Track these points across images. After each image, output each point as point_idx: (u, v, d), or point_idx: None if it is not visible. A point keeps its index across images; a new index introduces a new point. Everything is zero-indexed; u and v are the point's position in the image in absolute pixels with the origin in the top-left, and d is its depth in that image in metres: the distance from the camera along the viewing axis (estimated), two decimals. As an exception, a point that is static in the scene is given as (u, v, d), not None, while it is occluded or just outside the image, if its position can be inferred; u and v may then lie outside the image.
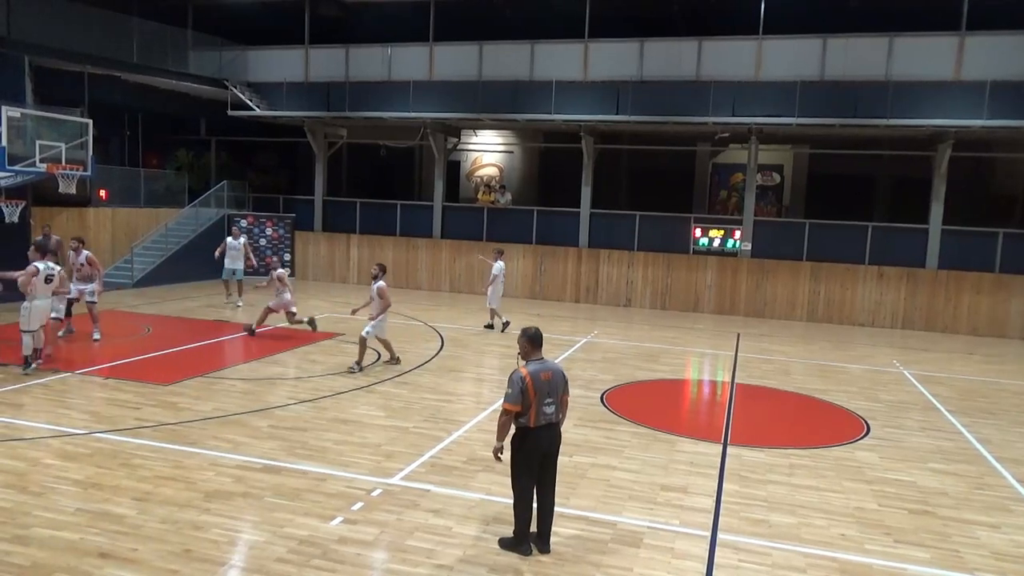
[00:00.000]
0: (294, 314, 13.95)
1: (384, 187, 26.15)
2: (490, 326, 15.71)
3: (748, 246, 19.76)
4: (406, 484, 7.04)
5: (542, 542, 5.81)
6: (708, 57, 19.02)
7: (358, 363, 11.47)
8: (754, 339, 16.27)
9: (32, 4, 17.94)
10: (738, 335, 16.63)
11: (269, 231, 23.14)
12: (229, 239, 17.68)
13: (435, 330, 15.40)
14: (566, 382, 5.90)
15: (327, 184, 23.81)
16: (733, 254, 19.91)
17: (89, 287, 13.00)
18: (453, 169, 25.42)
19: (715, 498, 7.07)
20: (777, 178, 23.67)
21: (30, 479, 6.77)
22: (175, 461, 7.39)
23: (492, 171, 26.18)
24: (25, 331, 10.28)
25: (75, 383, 10.18)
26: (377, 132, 23.82)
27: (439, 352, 13.28)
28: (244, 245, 17.50)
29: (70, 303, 13.13)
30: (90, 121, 15.67)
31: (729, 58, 18.92)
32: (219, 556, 5.54)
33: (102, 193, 20.18)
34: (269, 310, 13.84)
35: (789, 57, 18.55)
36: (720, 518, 6.63)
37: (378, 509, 6.44)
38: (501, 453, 5.78)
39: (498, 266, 15.59)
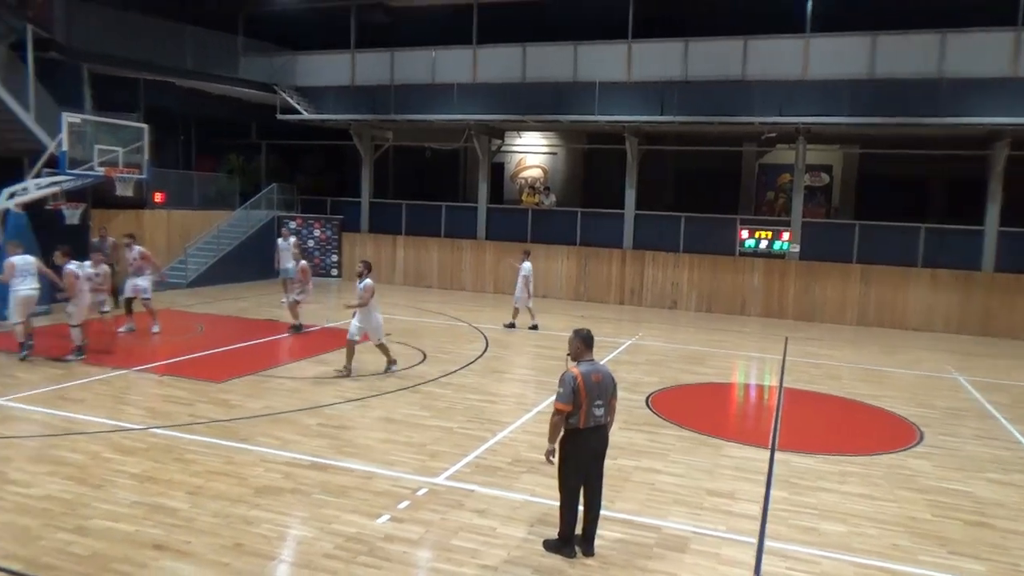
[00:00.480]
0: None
1: (429, 189, 26.37)
2: (535, 327, 15.77)
3: (796, 248, 19.42)
4: (451, 484, 7.10)
5: (587, 545, 5.80)
6: (754, 56, 18.75)
7: (391, 362, 11.49)
8: (802, 343, 15.98)
9: (90, 14, 18.57)
10: (786, 339, 16.35)
11: (317, 232, 23.53)
12: (279, 241, 18.16)
13: (479, 331, 15.48)
14: (615, 385, 5.88)
15: (373, 186, 24.12)
16: (781, 256, 19.58)
17: (142, 283, 13.53)
18: (497, 171, 25.55)
19: (763, 504, 6.98)
20: (826, 179, 23.23)
21: (90, 472, 7.02)
22: (227, 457, 7.57)
23: (536, 172, 26.22)
24: (74, 326, 11.37)
25: (133, 379, 10.51)
26: (422, 134, 24.03)
27: (483, 353, 13.35)
28: (292, 245, 17.90)
29: (129, 301, 13.67)
30: (146, 126, 16.13)
31: (775, 57, 18.62)
32: (269, 550, 5.66)
33: (157, 196, 20.78)
34: (297, 303, 14.28)
35: (837, 55, 18.18)
36: (768, 525, 6.53)
37: (423, 508, 6.51)
38: (553, 455, 5.79)
39: (526, 267, 15.70)
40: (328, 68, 22.88)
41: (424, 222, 23.22)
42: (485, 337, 14.84)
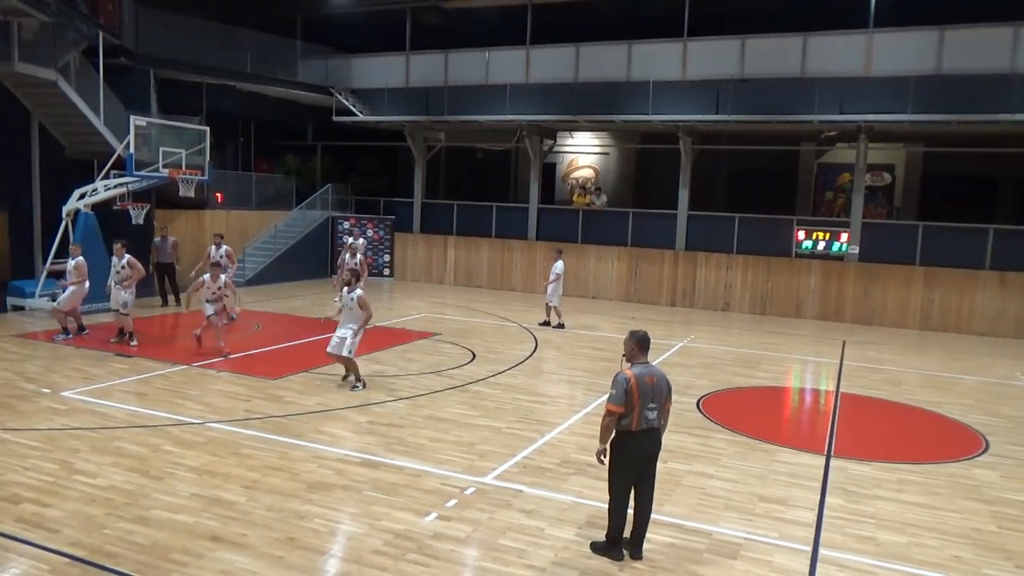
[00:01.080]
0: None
1: (480, 189, 26.51)
2: (547, 323, 16.06)
3: (856, 249, 18.89)
4: (499, 484, 7.12)
5: (635, 548, 5.75)
6: (814, 53, 18.33)
7: (359, 380, 10.44)
8: (861, 347, 15.54)
9: (157, 20, 19.24)
10: (843, 343, 15.92)
11: (370, 233, 23.88)
12: (350, 240, 19.00)
13: (529, 331, 15.49)
14: (670, 389, 5.81)
15: (425, 187, 24.36)
16: (839, 258, 19.07)
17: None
18: (549, 171, 25.51)
19: (817, 512, 6.81)
20: (888, 178, 22.53)
21: (151, 464, 7.26)
22: (281, 452, 7.74)
23: (588, 173, 26.10)
24: (125, 314, 12.50)
25: (192, 375, 10.83)
26: (474, 135, 24.17)
27: (532, 354, 13.35)
28: (361, 245, 18.82)
29: None
30: (207, 129, 16.62)
31: (837, 53, 18.17)
32: (320, 545, 5.77)
33: (218, 196, 21.38)
34: None
35: (902, 50, 17.65)
36: (822, 533, 6.37)
37: (471, 507, 6.54)
38: (605, 456, 5.75)
39: (558, 265, 15.74)
40: (382, 70, 23.20)
41: (475, 222, 23.34)
42: (535, 337, 14.84)
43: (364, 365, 11.77)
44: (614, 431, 5.66)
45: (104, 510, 6.18)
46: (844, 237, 19.05)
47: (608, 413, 5.62)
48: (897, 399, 11.31)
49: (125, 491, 6.59)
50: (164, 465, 7.24)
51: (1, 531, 5.72)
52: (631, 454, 5.65)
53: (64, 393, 9.54)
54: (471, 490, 6.93)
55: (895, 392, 11.72)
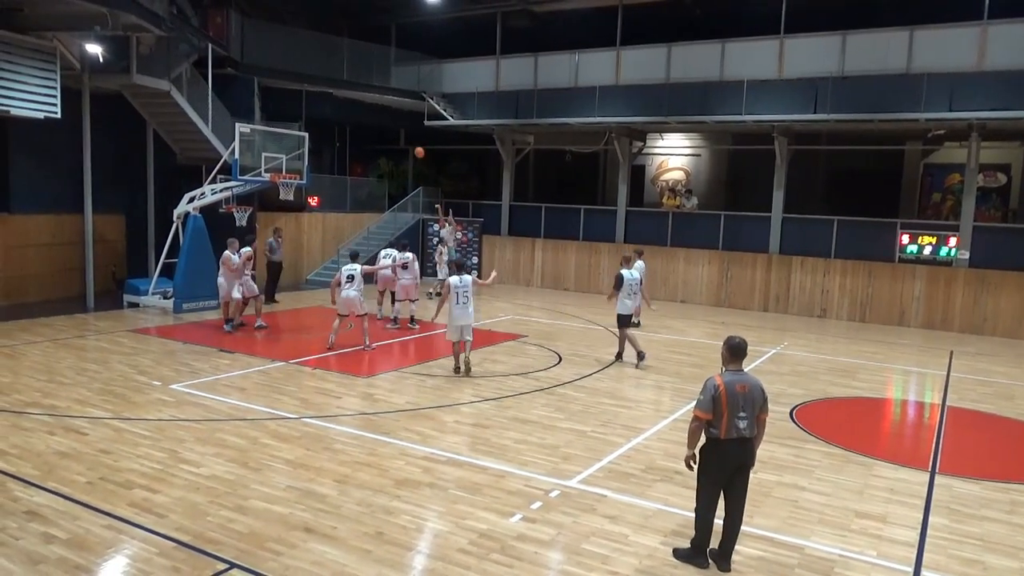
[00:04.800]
0: None
1: (568, 192, 26.46)
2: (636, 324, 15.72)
3: (966, 254, 17.81)
4: (583, 488, 7.10)
5: (723, 560, 5.61)
6: (921, 47, 17.38)
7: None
8: (970, 358, 14.65)
9: (260, 31, 20.17)
10: (951, 353, 15.06)
11: (459, 235, 24.21)
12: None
13: (615, 335, 15.32)
14: (765, 400, 5.63)
15: (514, 189, 24.51)
16: (947, 263, 18.03)
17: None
18: (638, 173, 25.21)
19: (919, 531, 6.47)
20: (1003, 179, 21.17)
21: (250, 456, 7.61)
22: (370, 448, 7.97)
23: (678, 175, 25.66)
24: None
25: (289, 371, 11.28)
26: (563, 138, 24.13)
27: (619, 357, 13.22)
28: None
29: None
30: (306, 134, 17.27)
31: (946, 47, 17.16)
32: (407, 541, 5.90)
33: (312, 200, 22.19)
34: None
35: (1020, 42, 16.51)
36: (924, 553, 6.05)
37: (555, 510, 6.55)
38: (694, 461, 5.66)
39: (638, 265, 15.54)
40: (473, 74, 23.49)
41: (563, 225, 23.32)
42: (622, 341, 14.68)
43: (451, 365, 11.95)
44: (704, 438, 5.56)
45: (207, 498, 6.53)
46: (953, 241, 18.00)
47: (695, 418, 5.53)
48: (1010, 414, 10.60)
49: (226, 480, 6.93)
50: (262, 457, 7.58)
51: (116, 514, 6.13)
52: (719, 463, 5.53)
53: (173, 386, 10.13)
54: (555, 493, 6.93)
55: (1008, 407, 11.00)
